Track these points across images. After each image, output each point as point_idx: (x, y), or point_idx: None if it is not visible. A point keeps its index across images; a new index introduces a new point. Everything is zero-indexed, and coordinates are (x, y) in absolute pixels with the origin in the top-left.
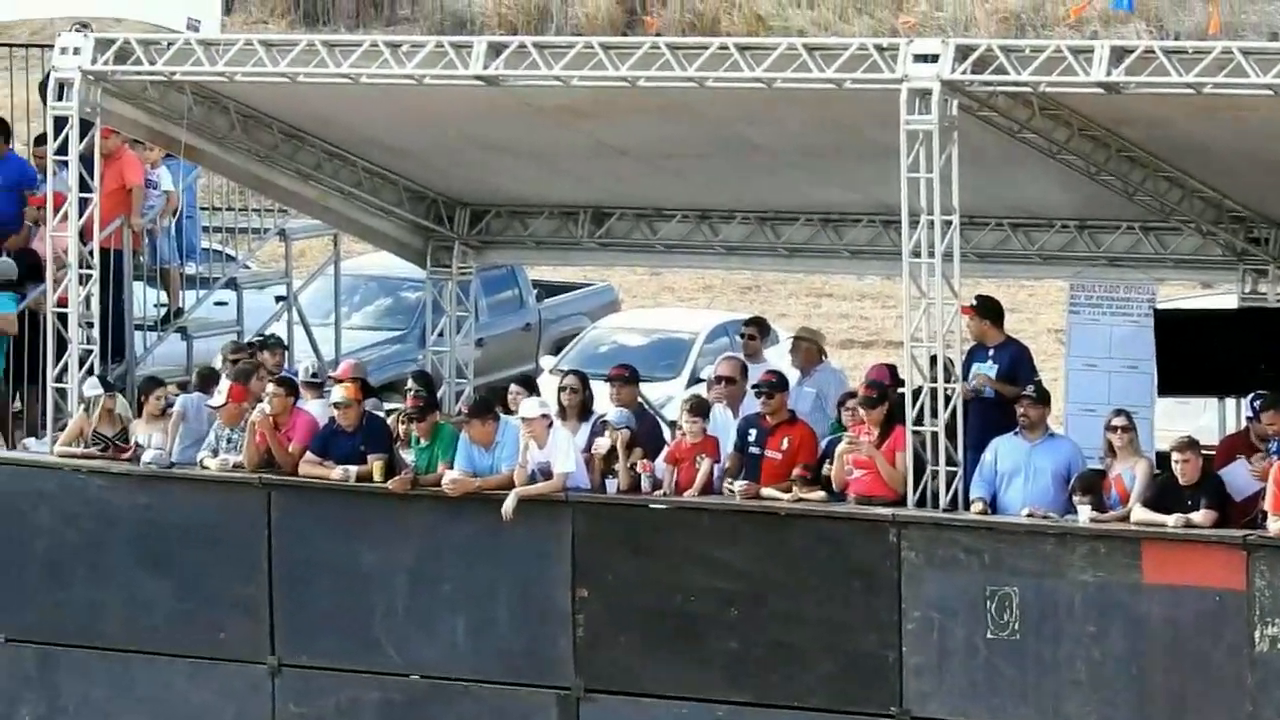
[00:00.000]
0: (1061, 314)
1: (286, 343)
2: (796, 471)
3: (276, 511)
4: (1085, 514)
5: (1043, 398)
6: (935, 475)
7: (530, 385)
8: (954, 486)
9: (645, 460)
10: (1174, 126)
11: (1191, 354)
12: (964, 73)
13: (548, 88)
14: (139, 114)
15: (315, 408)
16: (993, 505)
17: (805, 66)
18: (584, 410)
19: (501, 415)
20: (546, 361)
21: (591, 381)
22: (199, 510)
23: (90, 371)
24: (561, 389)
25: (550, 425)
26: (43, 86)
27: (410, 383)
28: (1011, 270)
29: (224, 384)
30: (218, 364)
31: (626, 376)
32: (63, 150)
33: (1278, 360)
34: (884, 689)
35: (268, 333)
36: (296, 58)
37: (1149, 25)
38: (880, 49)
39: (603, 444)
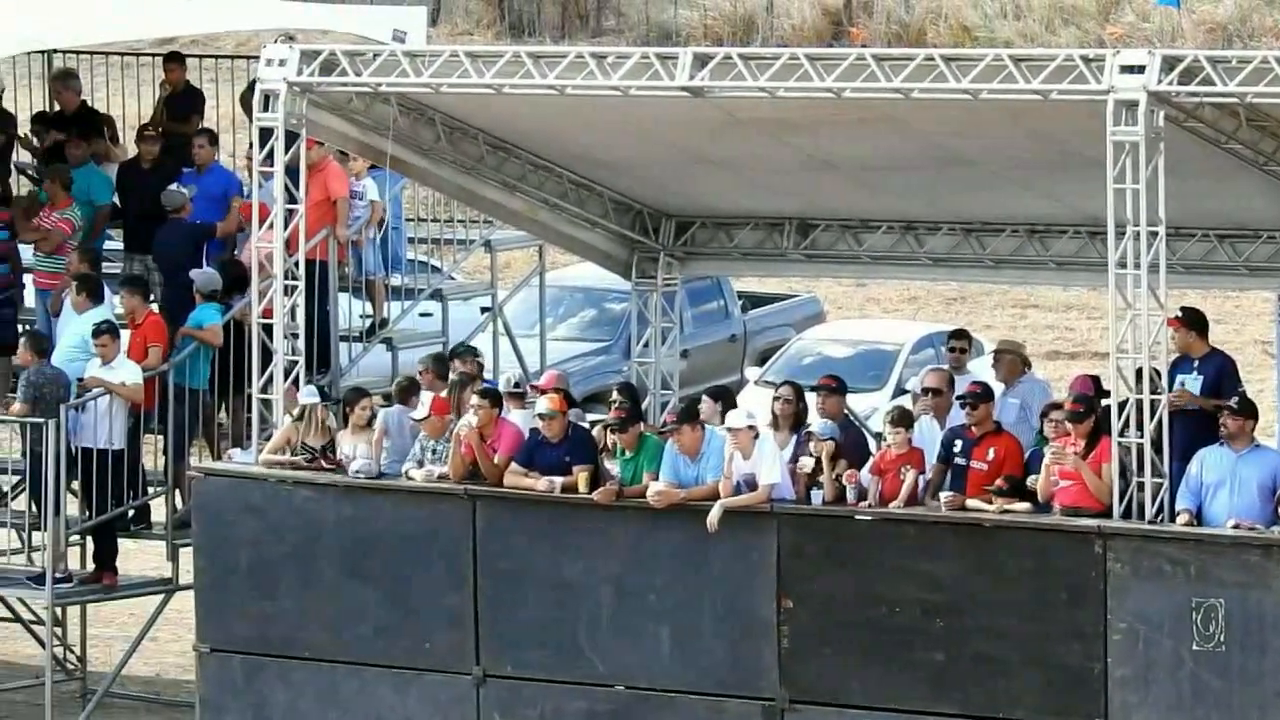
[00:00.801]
0: (1269, 325)
1: (479, 352)
2: (998, 482)
3: (482, 522)
4: None
5: (1245, 410)
6: (1141, 487)
7: (723, 397)
8: (1159, 498)
9: (851, 471)
10: None
11: None
12: (1170, 84)
13: (753, 99)
14: (344, 125)
15: (519, 419)
16: (1198, 517)
17: (1011, 78)
18: (797, 422)
19: (708, 426)
20: (751, 373)
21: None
22: (405, 521)
23: (299, 382)
24: (776, 399)
25: (756, 436)
26: (245, 98)
27: (615, 394)
28: (1217, 281)
29: (426, 396)
30: (421, 377)
31: (834, 387)
32: (268, 161)
33: None
34: (1089, 701)
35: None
36: (502, 69)
37: None
38: (1086, 60)
39: (806, 463)
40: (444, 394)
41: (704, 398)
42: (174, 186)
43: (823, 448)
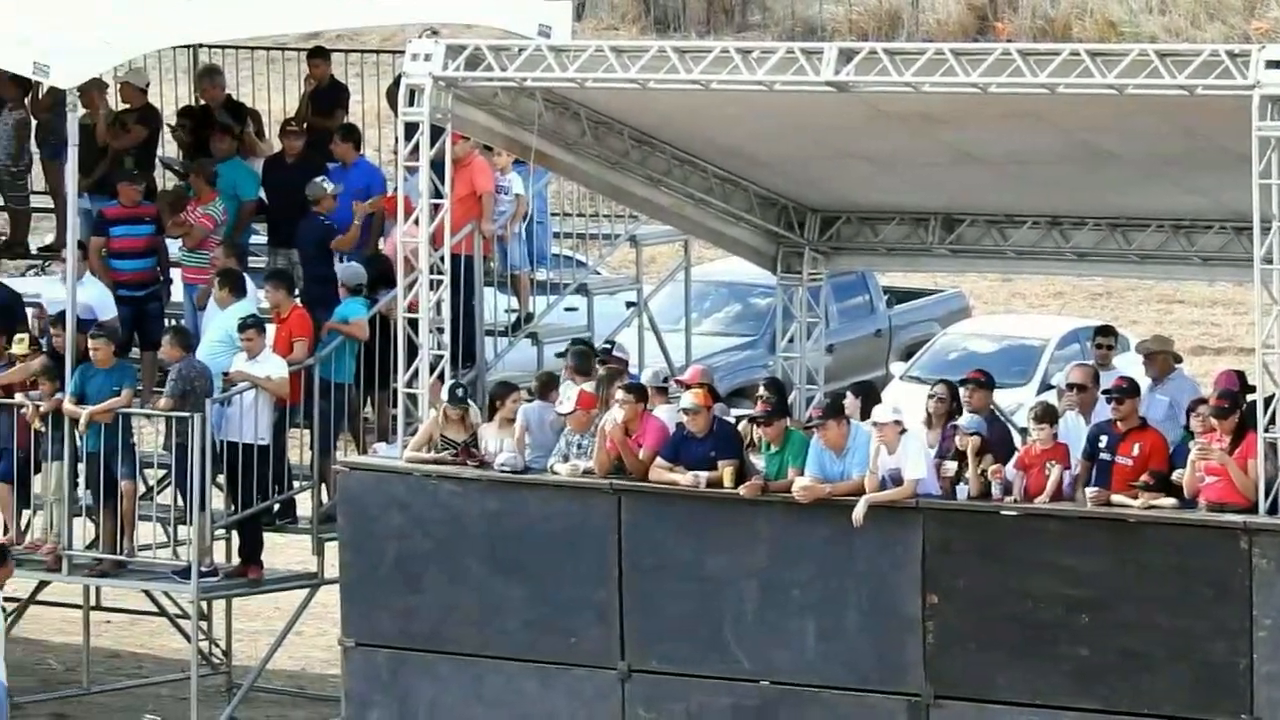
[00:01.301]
0: None
1: (624, 348)
2: (1143, 478)
3: (627, 517)
4: None
5: None
6: None
7: (868, 392)
8: None
9: (996, 466)
10: None
11: None
12: None
13: (898, 94)
14: (490, 120)
15: (664, 414)
16: None
17: (1156, 73)
18: (948, 420)
19: (852, 421)
20: (896, 368)
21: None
22: (550, 515)
23: (443, 376)
24: (930, 396)
25: (902, 431)
26: (391, 92)
27: (761, 389)
28: None
29: (569, 390)
30: (562, 371)
31: (982, 381)
32: (413, 156)
33: None
34: (1234, 697)
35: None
36: (647, 64)
37: None
38: (1232, 55)
39: (950, 467)
40: (590, 388)
41: (848, 393)
42: (319, 179)
43: (968, 442)
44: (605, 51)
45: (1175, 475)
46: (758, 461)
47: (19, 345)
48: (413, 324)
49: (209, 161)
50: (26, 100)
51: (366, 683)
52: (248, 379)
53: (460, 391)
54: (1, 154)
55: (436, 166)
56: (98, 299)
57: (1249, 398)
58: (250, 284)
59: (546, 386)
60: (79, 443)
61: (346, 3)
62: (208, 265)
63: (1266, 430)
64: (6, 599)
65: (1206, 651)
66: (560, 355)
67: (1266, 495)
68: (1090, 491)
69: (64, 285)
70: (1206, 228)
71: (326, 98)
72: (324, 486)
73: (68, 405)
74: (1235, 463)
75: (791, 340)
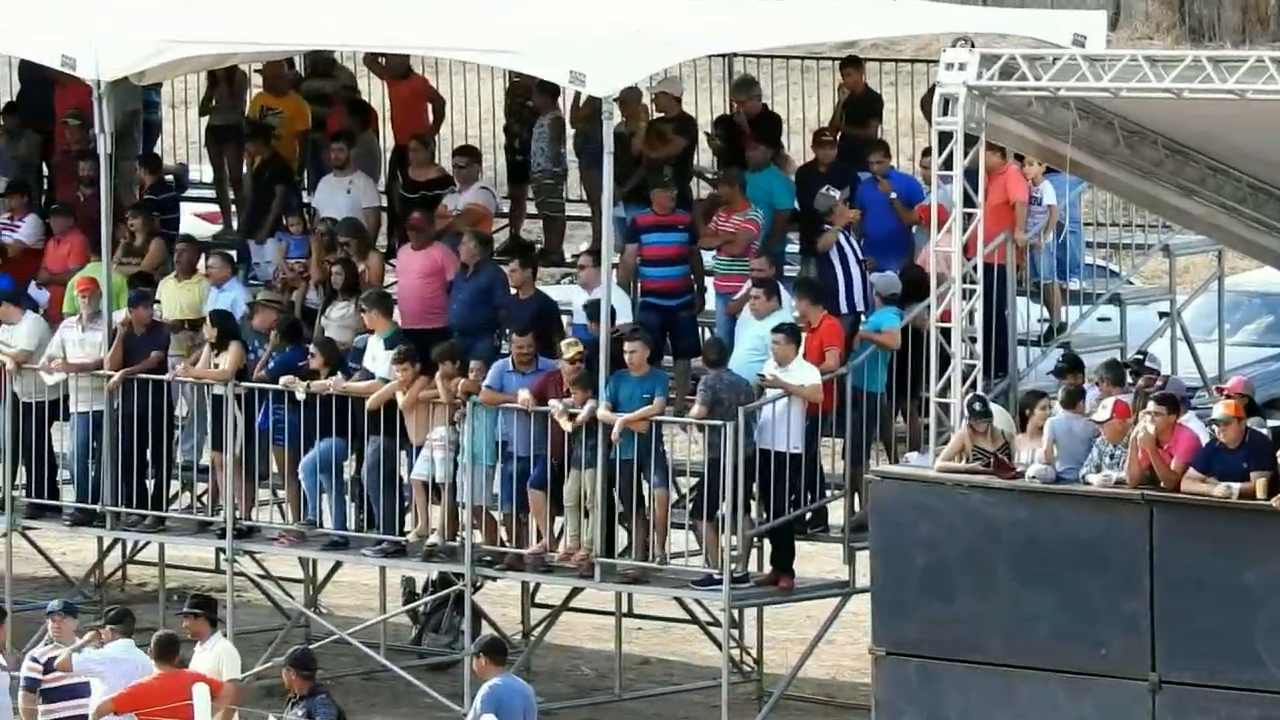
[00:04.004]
0: None
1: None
2: None
3: (1159, 528)
4: None
5: None
6: None
7: None
8: None
9: None
10: None
11: None
12: None
13: None
14: (1023, 129)
15: (1198, 425)
16: None
17: None
18: None
19: None
20: None
21: None
22: (1080, 526)
23: (975, 386)
24: None
25: None
26: (925, 101)
27: None
28: None
29: (1107, 400)
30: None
31: None
32: (947, 165)
33: None
34: None
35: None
36: (1181, 74)
37: None
38: None
39: None
40: (1126, 398)
41: None
42: (825, 190)
43: None
44: (1139, 61)
45: None
46: None
47: (570, 350)
48: (945, 333)
49: (739, 171)
50: (559, 109)
51: (896, 692)
52: (780, 386)
53: (978, 405)
54: (541, 158)
55: (970, 175)
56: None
57: None
58: (784, 292)
59: (1073, 397)
60: (612, 450)
61: (881, 12)
62: (742, 274)
63: None
64: (538, 605)
65: None
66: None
67: None
68: None
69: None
70: None
71: (860, 107)
72: (855, 495)
73: (602, 412)
74: None
75: None
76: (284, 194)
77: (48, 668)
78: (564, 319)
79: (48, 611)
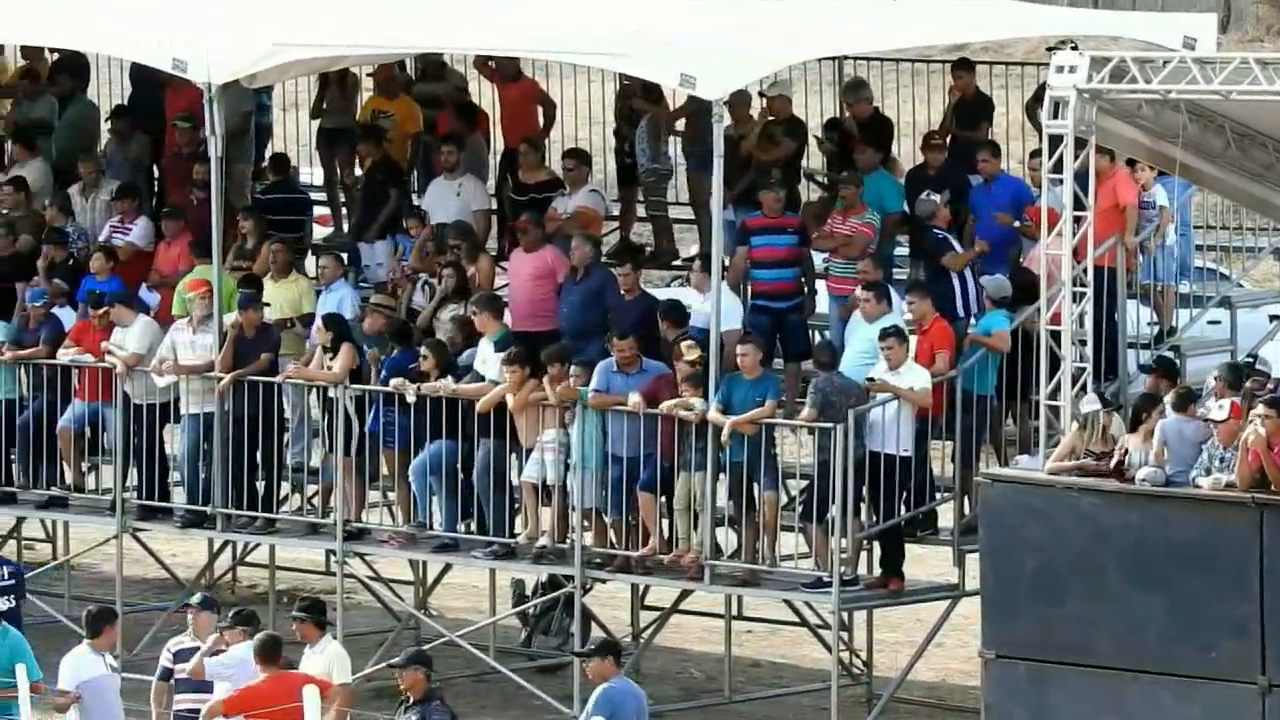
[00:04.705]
0: None
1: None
2: None
3: (1269, 531)
4: None
5: None
6: None
7: None
8: None
9: None
10: None
11: None
12: None
13: None
14: (1133, 132)
15: None
16: None
17: None
18: None
19: None
20: None
21: None
22: (1190, 529)
23: (1085, 389)
24: None
25: None
26: (1030, 105)
27: None
28: None
29: (1224, 400)
30: (1209, 384)
31: None
32: (1057, 168)
33: None
34: None
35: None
36: None
37: None
38: None
39: None
40: (1240, 400)
41: None
42: (926, 195)
43: None
44: (1250, 63)
45: None
46: None
47: (690, 352)
48: (1055, 336)
49: (854, 174)
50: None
51: (1006, 695)
52: (890, 389)
53: (1105, 396)
54: (643, 158)
55: (1079, 179)
56: (725, 308)
57: None
58: (894, 295)
59: (1184, 400)
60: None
61: (992, 15)
62: (854, 276)
63: None
64: (647, 607)
65: None
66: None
67: None
68: None
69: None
70: None
71: (971, 110)
72: (965, 498)
73: (713, 414)
74: None
75: None
76: (398, 196)
77: (178, 658)
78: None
79: (187, 606)
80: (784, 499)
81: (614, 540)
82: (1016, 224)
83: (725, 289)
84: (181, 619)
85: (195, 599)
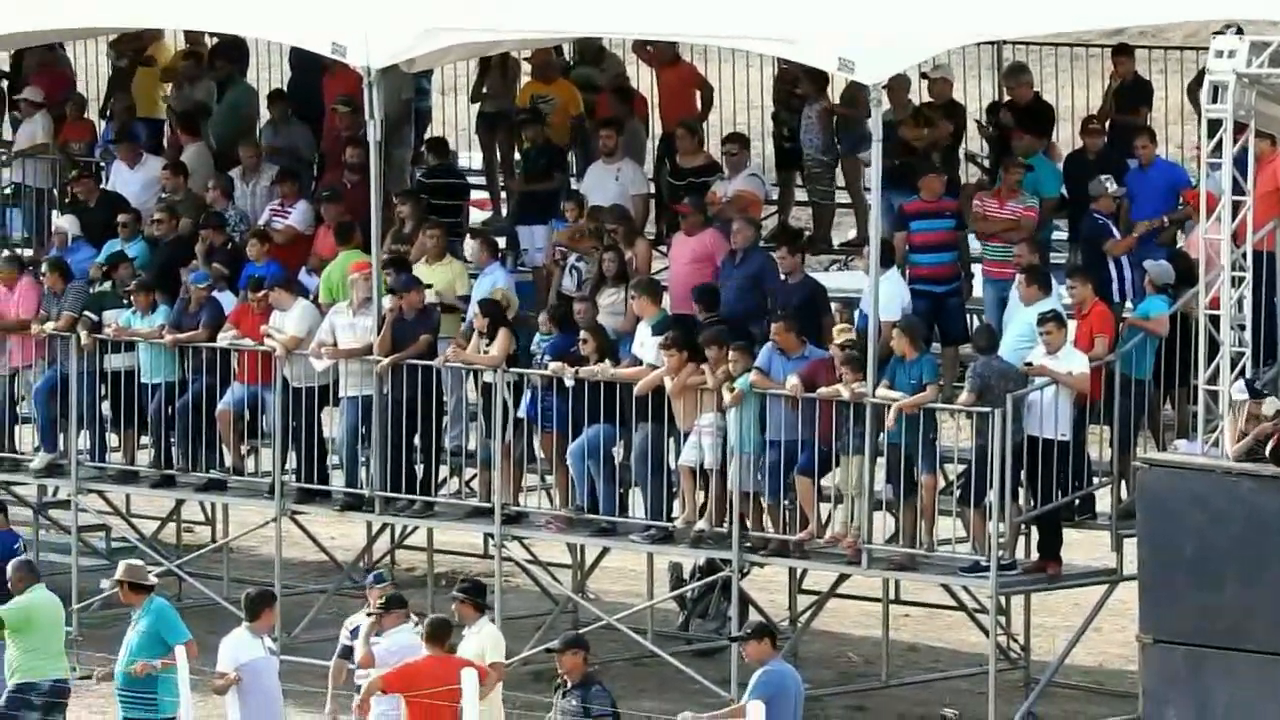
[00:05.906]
0: None
1: None
2: None
3: None
4: None
5: None
6: None
7: None
8: None
9: None
10: None
11: None
12: None
13: None
14: None
15: None
16: None
17: None
18: None
19: None
20: None
21: None
22: None
23: (1241, 374)
24: None
25: None
26: (1192, 89)
27: None
28: None
29: None
30: None
31: None
32: (1216, 153)
33: None
34: None
35: None
36: None
37: None
38: None
39: None
40: None
41: None
42: (1101, 177)
43: None
44: None
45: None
46: None
47: (841, 335)
48: (1214, 320)
49: (1017, 159)
50: (828, 97)
51: (1164, 680)
52: (1048, 374)
53: (1255, 384)
54: (810, 146)
55: (1239, 163)
56: (889, 296)
57: None
58: (1053, 280)
59: None
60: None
61: None
62: (1012, 260)
63: None
64: (805, 591)
65: None
66: None
67: None
68: None
69: (865, 279)
70: None
71: (1130, 95)
72: (1124, 483)
73: (882, 391)
74: None
75: None
76: (560, 180)
77: (356, 635)
78: (833, 306)
79: (366, 584)
80: (942, 483)
81: (771, 524)
82: (1166, 221)
83: (896, 276)
84: (341, 602)
85: (372, 578)
